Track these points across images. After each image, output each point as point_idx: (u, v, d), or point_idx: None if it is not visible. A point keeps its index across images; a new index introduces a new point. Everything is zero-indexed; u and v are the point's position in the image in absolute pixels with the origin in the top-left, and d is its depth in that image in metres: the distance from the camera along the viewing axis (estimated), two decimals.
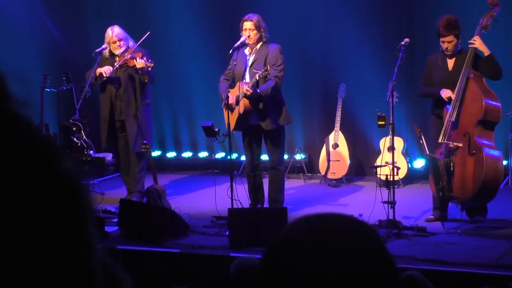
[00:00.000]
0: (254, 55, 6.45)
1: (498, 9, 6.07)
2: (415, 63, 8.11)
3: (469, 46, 6.00)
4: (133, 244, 5.72)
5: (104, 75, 6.90)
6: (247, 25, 6.40)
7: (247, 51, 6.51)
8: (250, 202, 6.67)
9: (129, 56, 6.92)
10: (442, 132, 6.05)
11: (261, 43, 6.46)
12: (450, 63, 6.16)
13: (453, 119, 6.00)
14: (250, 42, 6.41)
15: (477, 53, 6.01)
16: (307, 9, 8.84)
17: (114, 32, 6.98)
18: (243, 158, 8.92)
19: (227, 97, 6.30)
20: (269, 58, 6.32)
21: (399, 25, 8.49)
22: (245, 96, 6.24)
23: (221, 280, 4.60)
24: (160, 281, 5.02)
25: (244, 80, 6.40)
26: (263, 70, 6.13)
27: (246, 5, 8.68)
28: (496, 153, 5.94)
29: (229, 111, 6.37)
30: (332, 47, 8.78)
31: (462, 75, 5.95)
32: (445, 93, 6.04)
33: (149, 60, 6.82)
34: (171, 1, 9.36)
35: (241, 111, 6.35)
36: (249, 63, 6.45)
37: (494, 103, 5.94)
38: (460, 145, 5.96)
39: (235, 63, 6.45)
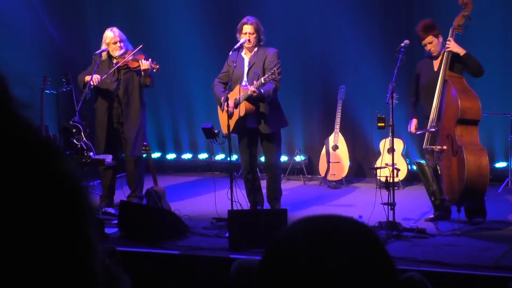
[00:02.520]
0: (251, 58, 6.49)
1: (470, 9, 6.12)
2: (415, 64, 8.10)
3: (444, 50, 6.09)
4: (133, 245, 5.72)
5: (92, 84, 6.87)
6: (248, 28, 6.41)
7: (244, 54, 6.53)
8: (249, 204, 6.67)
9: (130, 57, 6.90)
10: (425, 138, 6.19)
11: (257, 46, 6.49)
12: (436, 64, 6.28)
13: (434, 123, 6.13)
14: (249, 46, 6.44)
15: (457, 54, 6.08)
16: (306, 10, 8.84)
17: (115, 32, 6.97)
18: None
19: (227, 99, 6.31)
20: (267, 61, 6.36)
21: (399, 26, 8.49)
22: (247, 98, 6.26)
23: (221, 282, 4.61)
24: (160, 282, 5.02)
25: (243, 83, 6.41)
26: (270, 73, 6.16)
27: (245, 7, 8.68)
28: (478, 149, 5.96)
29: (228, 114, 6.37)
30: (332, 49, 8.78)
31: (440, 80, 6.04)
32: (410, 124, 6.49)
33: (154, 62, 6.81)
34: (171, 3, 9.36)
35: (242, 114, 6.37)
36: (248, 66, 6.48)
37: (470, 101, 6.00)
38: (445, 147, 6.05)
39: (235, 64, 6.45)
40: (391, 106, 6.16)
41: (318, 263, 0.92)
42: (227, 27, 8.87)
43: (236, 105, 6.38)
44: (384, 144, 7.01)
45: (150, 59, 6.83)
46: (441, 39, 6.20)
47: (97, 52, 7.08)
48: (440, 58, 6.20)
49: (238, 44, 6.43)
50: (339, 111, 8.26)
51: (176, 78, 9.48)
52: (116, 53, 6.96)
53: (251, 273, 3.56)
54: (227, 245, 5.64)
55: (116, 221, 6.30)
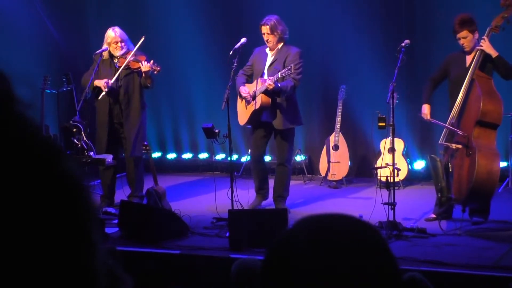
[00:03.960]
0: (274, 55, 6.65)
1: (511, 11, 6.06)
2: (415, 64, 8.11)
3: (477, 48, 6.02)
4: (133, 245, 5.72)
5: (103, 90, 6.84)
6: (264, 29, 6.61)
7: (268, 50, 6.70)
8: (255, 189, 6.89)
9: (132, 58, 6.89)
10: (443, 133, 6.13)
11: (282, 43, 6.64)
12: (468, 59, 6.16)
13: (454, 120, 6.05)
14: (270, 45, 6.63)
15: (489, 54, 6.02)
16: (306, 11, 8.84)
17: (116, 32, 6.96)
18: (243, 159, 8.93)
19: (227, 98, 6.35)
20: (288, 60, 6.51)
21: (399, 26, 8.49)
22: (264, 91, 6.38)
23: (221, 282, 4.60)
24: (160, 282, 5.02)
25: (263, 77, 6.55)
26: (286, 69, 6.29)
27: (246, 7, 8.68)
28: (492, 154, 5.92)
29: (246, 104, 6.58)
30: (332, 49, 8.78)
31: (467, 78, 5.98)
32: (423, 110, 6.33)
33: (155, 64, 6.81)
34: (171, 3, 9.36)
35: (257, 107, 6.52)
36: (269, 62, 6.64)
37: (493, 104, 5.93)
38: (459, 146, 5.99)
39: (234, 61, 6.50)
40: (391, 106, 6.16)
41: (322, 263, 0.92)
42: (228, 27, 8.88)
43: (254, 97, 6.53)
44: (385, 144, 7.00)
45: (152, 61, 6.81)
46: (476, 35, 6.08)
47: (97, 51, 7.07)
48: (473, 54, 6.10)
49: (238, 44, 6.54)
50: (340, 111, 8.27)
51: (176, 78, 9.48)
52: (117, 53, 6.96)
53: (252, 273, 3.56)
54: (227, 245, 5.64)
55: (116, 221, 6.30)
